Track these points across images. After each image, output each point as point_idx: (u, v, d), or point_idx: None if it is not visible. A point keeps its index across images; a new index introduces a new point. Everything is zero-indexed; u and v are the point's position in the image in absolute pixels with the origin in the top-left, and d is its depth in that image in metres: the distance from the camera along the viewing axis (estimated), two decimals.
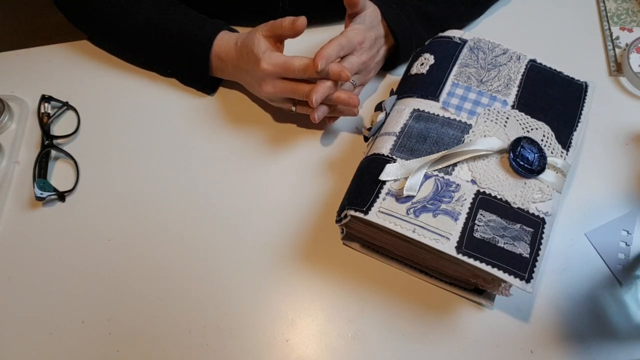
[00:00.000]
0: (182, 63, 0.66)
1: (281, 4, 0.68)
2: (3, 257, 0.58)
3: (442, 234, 0.47)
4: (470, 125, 0.54)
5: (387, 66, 0.68)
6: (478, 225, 0.47)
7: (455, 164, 0.51)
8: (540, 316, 0.51)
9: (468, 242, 0.46)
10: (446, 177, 0.50)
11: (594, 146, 0.62)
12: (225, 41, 0.63)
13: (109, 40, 0.71)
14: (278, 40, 0.60)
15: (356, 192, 0.51)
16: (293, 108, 0.61)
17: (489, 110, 0.55)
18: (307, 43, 0.65)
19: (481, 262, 0.45)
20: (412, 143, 0.53)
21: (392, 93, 0.61)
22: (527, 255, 0.46)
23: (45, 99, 0.68)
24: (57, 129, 0.67)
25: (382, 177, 0.50)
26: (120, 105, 0.68)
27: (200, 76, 0.66)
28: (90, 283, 0.55)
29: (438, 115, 0.55)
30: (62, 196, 0.61)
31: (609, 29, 0.71)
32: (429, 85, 0.57)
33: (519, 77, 0.57)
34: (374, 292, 0.53)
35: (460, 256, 0.45)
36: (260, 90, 0.60)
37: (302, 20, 0.56)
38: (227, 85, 0.69)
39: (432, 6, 0.65)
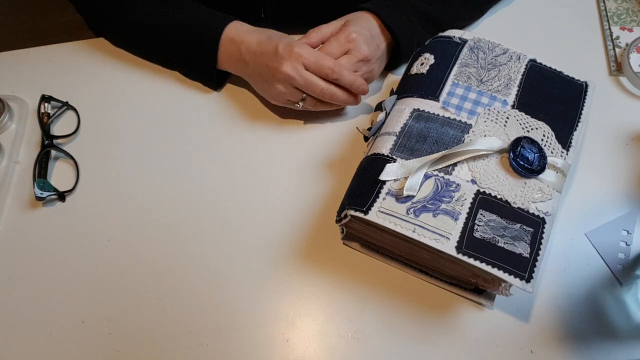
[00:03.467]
0: (189, 51, 0.65)
1: (263, 15, 0.69)
2: (3, 257, 0.58)
3: (442, 234, 0.47)
4: (470, 125, 0.54)
5: (389, 66, 0.68)
6: (478, 225, 0.47)
7: (455, 164, 0.51)
8: (540, 316, 0.51)
9: (468, 242, 0.46)
10: (446, 177, 0.50)
11: (594, 146, 0.62)
12: (240, 25, 0.62)
13: (117, 32, 0.71)
14: None
15: (356, 192, 0.51)
16: (299, 104, 0.60)
17: (489, 110, 0.55)
18: None
19: (481, 262, 0.45)
20: (412, 143, 0.53)
21: (392, 93, 0.61)
22: (527, 255, 0.46)
23: (45, 98, 0.68)
24: (57, 129, 0.67)
25: (382, 177, 0.50)
26: (121, 105, 0.68)
27: (206, 64, 0.65)
28: (90, 283, 0.55)
29: (438, 115, 0.55)
30: (62, 196, 0.61)
31: (609, 28, 0.71)
32: (429, 85, 0.57)
33: (519, 76, 0.57)
34: (374, 292, 0.53)
35: (460, 256, 0.45)
36: (277, 74, 0.58)
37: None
38: (226, 85, 0.69)
39: (432, 7, 0.65)
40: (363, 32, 0.61)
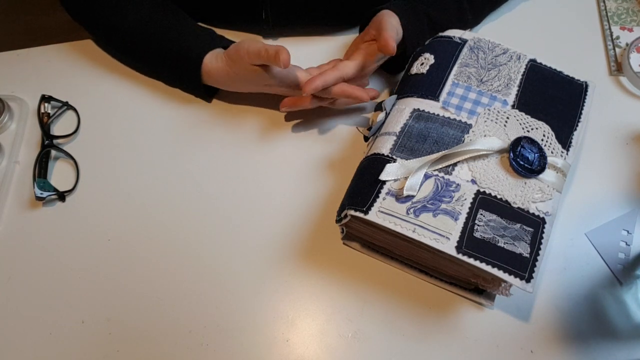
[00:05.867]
0: (175, 74, 0.66)
1: (264, 15, 0.69)
2: (3, 257, 0.58)
3: (442, 234, 0.47)
4: (470, 125, 0.54)
5: (391, 70, 0.67)
6: (478, 225, 0.47)
7: (455, 164, 0.51)
8: (540, 316, 0.51)
9: (468, 241, 0.46)
10: (446, 177, 0.50)
11: (594, 146, 0.62)
12: (214, 56, 0.62)
13: (109, 43, 0.71)
14: None
15: (356, 192, 0.51)
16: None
17: (489, 110, 0.55)
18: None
19: (481, 262, 0.45)
20: (412, 143, 0.53)
21: (392, 93, 0.61)
22: (527, 255, 0.46)
23: (45, 98, 0.68)
24: (57, 129, 0.67)
25: (382, 176, 0.50)
26: (121, 105, 0.68)
27: (194, 88, 0.66)
28: (90, 283, 0.55)
29: (438, 115, 0.55)
30: (62, 196, 0.61)
31: (609, 28, 0.71)
32: (429, 85, 0.57)
33: (519, 76, 0.57)
34: (374, 292, 0.53)
35: (460, 256, 0.45)
36: (247, 48, 0.58)
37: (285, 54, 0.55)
38: None
39: (439, 13, 0.64)
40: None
